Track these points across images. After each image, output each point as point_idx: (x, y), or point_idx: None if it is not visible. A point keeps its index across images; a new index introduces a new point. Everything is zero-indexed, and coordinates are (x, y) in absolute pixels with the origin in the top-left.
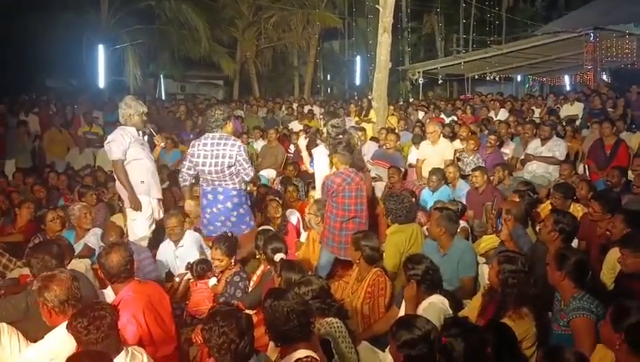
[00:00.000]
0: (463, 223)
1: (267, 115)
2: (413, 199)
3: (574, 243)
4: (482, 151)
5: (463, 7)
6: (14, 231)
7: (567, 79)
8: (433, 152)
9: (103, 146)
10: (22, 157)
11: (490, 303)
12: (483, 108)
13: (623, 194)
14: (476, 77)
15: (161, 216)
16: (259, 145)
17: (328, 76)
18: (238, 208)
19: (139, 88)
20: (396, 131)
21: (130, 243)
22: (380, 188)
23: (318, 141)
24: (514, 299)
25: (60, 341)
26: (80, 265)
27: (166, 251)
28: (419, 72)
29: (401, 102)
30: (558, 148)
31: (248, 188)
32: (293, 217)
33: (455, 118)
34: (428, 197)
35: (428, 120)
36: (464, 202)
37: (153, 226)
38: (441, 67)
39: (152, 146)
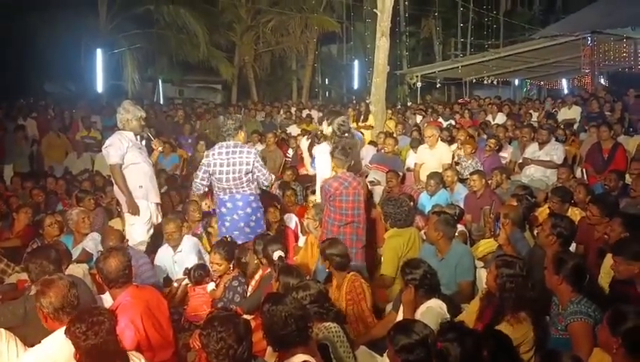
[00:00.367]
0: (460, 227)
1: (265, 119)
2: (411, 203)
3: (572, 247)
4: (480, 155)
5: (461, 11)
6: (12, 236)
7: (564, 83)
8: (431, 156)
9: (101, 151)
10: (20, 162)
11: (488, 307)
12: (481, 112)
13: (620, 197)
14: (474, 81)
15: (160, 220)
16: (257, 149)
17: (326, 80)
18: (256, 213)
19: (137, 92)
20: (394, 135)
21: (129, 248)
22: (378, 192)
23: (319, 141)
24: (512, 303)
25: (58, 346)
26: (78, 269)
27: (164, 256)
28: (417, 76)
29: (399, 106)
30: (555, 151)
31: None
32: (292, 221)
33: (453, 122)
34: (426, 201)
35: (426, 124)
36: (462, 206)
37: (151, 231)
38: (439, 71)
39: (150, 151)
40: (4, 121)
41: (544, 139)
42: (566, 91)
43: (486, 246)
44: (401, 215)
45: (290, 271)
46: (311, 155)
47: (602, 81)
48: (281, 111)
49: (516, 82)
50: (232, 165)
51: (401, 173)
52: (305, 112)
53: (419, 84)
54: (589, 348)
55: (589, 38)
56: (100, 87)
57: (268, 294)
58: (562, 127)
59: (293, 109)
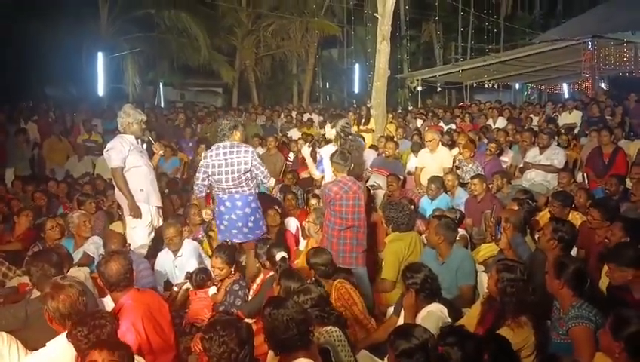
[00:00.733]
0: (461, 231)
1: (266, 122)
2: (412, 207)
3: (573, 251)
4: (481, 159)
5: (462, 15)
6: (13, 240)
7: (565, 87)
8: (432, 160)
9: (102, 154)
10: (21, 165)
11: (489, 312)
12: (481, 116)
13: (621, 202)
14: (474, 85)
15: (161, 223)
16: (258, 153)
17: (327, 84)
18: (255, 213)
19: (138, 96)
20: (395, 139)
21: (130, 252)
22: (379, 196)
23: (320, 146)
24: (513, 307)
25: (60, 349)
26: (79, 273)
27: (165, 261)
28: (417, 80)
29: (400, 110)
30: (556, 156)
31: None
32: (292, 225)
33: (453, 126)
34: (427, 205)
35: (426, 128)
36: (463, 210)
37: (153, 234)
38: (439, 75)
39: (151, 154)
40: (6, 124)
41: (545, 144)
42: (566, 95)
43: (487, 250)
44: (402, 219)
45: (291, 275)
46: (315, 161)
47: (603, 85)
48: (282, 115)
49: (517, 86)
50: (230, 165)
51: (401, 177)
52: (306, 116)
53: (419, 88)
54: (591, 352)
55: (590, 43)
56: (101, 90)
57: (269, 298)
58: (563, 131)
59: (293, 113)
